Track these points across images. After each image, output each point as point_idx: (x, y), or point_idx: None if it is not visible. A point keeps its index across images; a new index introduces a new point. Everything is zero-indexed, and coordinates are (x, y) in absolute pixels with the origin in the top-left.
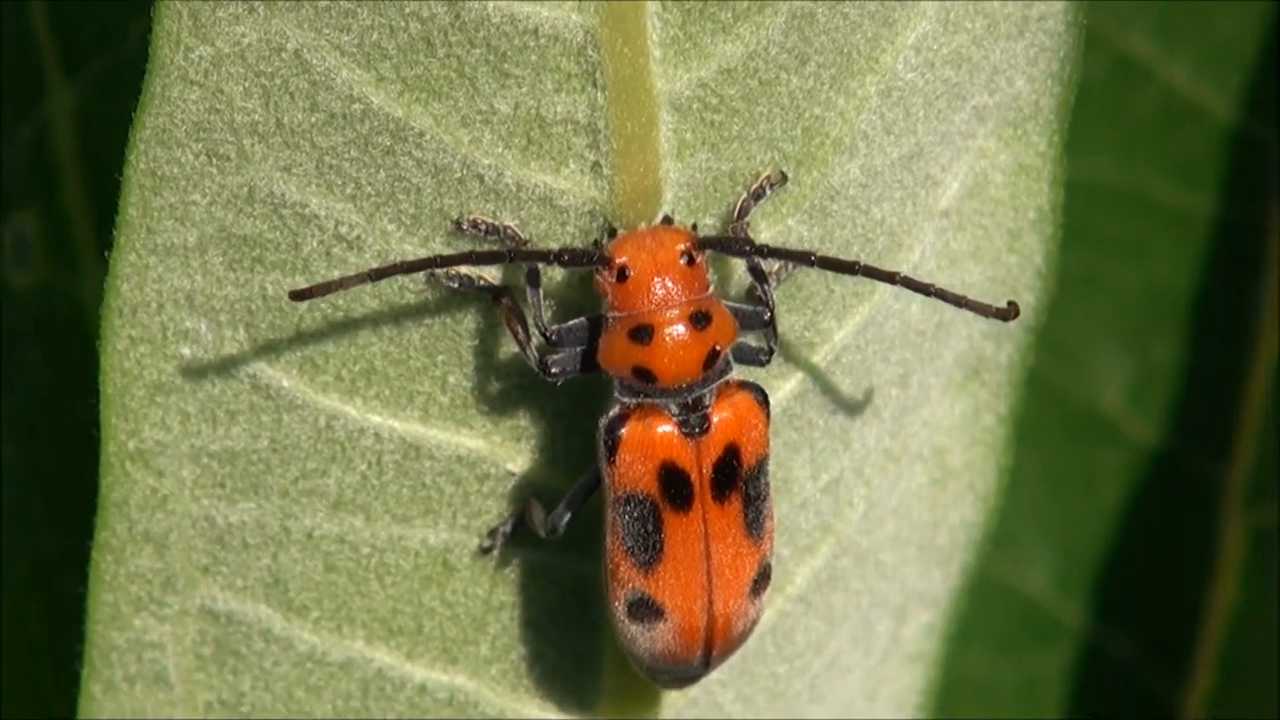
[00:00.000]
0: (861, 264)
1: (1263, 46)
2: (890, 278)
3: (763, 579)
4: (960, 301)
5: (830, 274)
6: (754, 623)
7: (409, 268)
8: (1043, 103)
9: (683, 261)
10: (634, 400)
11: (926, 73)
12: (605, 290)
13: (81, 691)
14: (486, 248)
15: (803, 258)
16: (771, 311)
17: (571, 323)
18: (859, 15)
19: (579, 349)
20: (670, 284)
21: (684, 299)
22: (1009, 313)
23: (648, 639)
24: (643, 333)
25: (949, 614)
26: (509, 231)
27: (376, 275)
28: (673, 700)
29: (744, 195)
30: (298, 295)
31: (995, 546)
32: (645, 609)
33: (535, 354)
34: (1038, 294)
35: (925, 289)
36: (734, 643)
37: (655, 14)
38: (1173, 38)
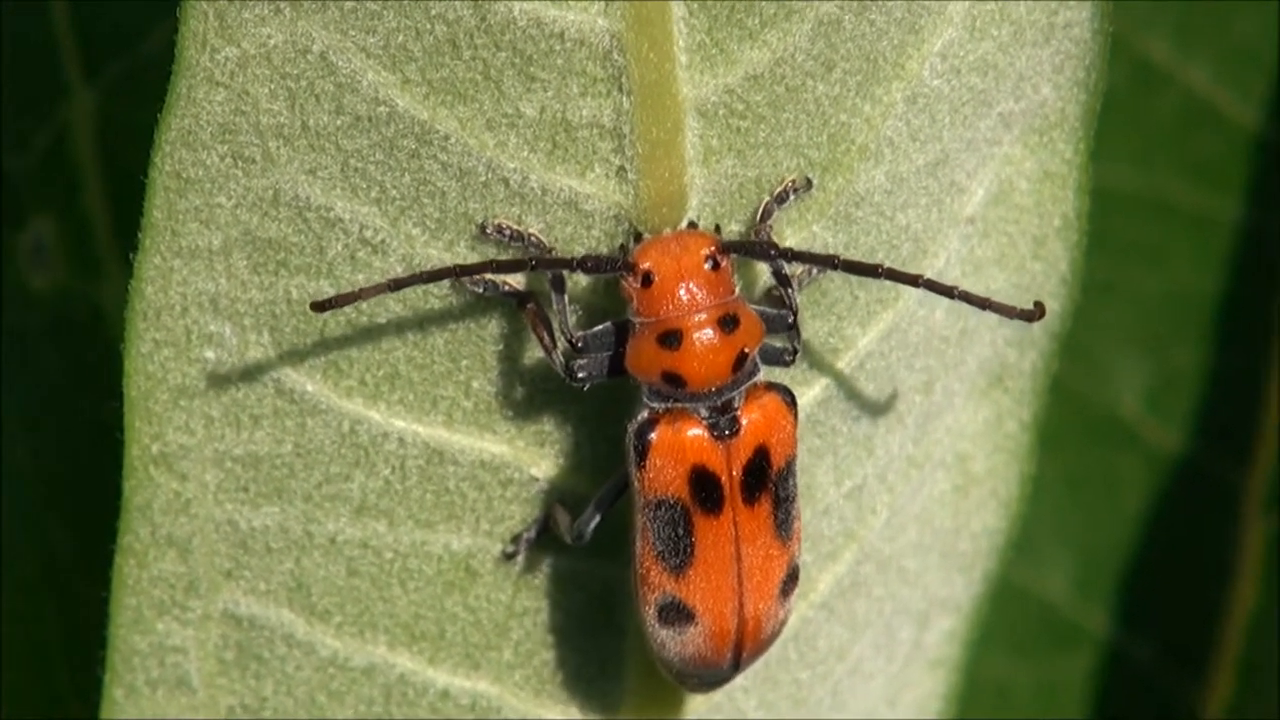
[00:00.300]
0: (885, 267)
1: None
2: (914, 280)
3: (791, 580)
4: (985, 304)
5: (855, 280)
6: (783, 624)
7: (429, 277)
8: (1068, 110)
9: (707, 266)
10: (663, 405)
11: (952, 79)
12: (631, 296)
13: (103, 696)
14: (510, 253)
15: (827, 261)
16: (795, 314)
17: (597, 328)
18: (885, 22)
19: (605, 354)
20: (696, 288)
21: (711, 303)
22: (1034, 314)
23: (678, 643)
24: (672, 338)
25: (971, 620)
26: (533, 238)
27: (396, 285)
28: (696, 706)
29: (767, 198)
30: (318, 306)
31: (1015, 551)
32: (676, 613)
33: (561, 359)
34: (1062, 301)
35: (949, 291)
36: (763, 644)
37: (681, 19)
38: (1191, 41)
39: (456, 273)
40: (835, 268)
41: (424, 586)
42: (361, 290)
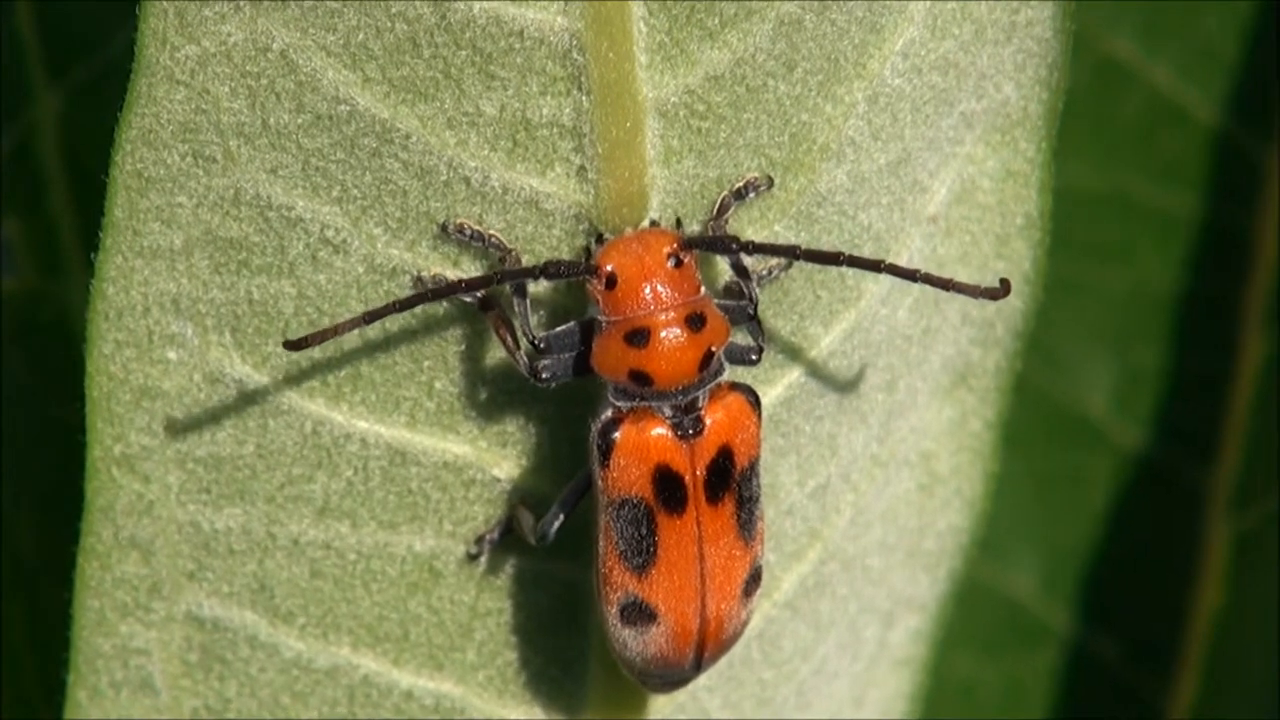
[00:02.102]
0: (846, 255)
1: (1246, 48)
2: (875, 265)
3: (754, 580)
4: (948, 284)
5: (816, 279)
6: (745, 624)
7: (402, 305)
8: (1031, 109)
9: (670, 263)
10: (628, 404)
11: (914, 79)
12: (597, 298)
13: (67, 698)
14: (472, 253)
15: (788, 251)
16: (754, 305)
17: (560, 328)
18: (847, 22)
19: (569, 354)
20: (660, 286)
21: (677, 301)
22: (998, 291)
23: (640, 643)
24: (639, 336)
25: (936, 619)
26: (494, 239)
27: (370, 318)
28: (659, 706)
29: (725, 193)
30: (292, 345)
31: (981, 549)
32: (638, 613)
33: (525, 359)
34: (1026, 300)
35: (911, 275)
36: (725, 644)
37: (641, 19)
38: (1156, 40)
39: (429, 296)
40: (797, 258)
41: (387, 588)
42: (336, 326)
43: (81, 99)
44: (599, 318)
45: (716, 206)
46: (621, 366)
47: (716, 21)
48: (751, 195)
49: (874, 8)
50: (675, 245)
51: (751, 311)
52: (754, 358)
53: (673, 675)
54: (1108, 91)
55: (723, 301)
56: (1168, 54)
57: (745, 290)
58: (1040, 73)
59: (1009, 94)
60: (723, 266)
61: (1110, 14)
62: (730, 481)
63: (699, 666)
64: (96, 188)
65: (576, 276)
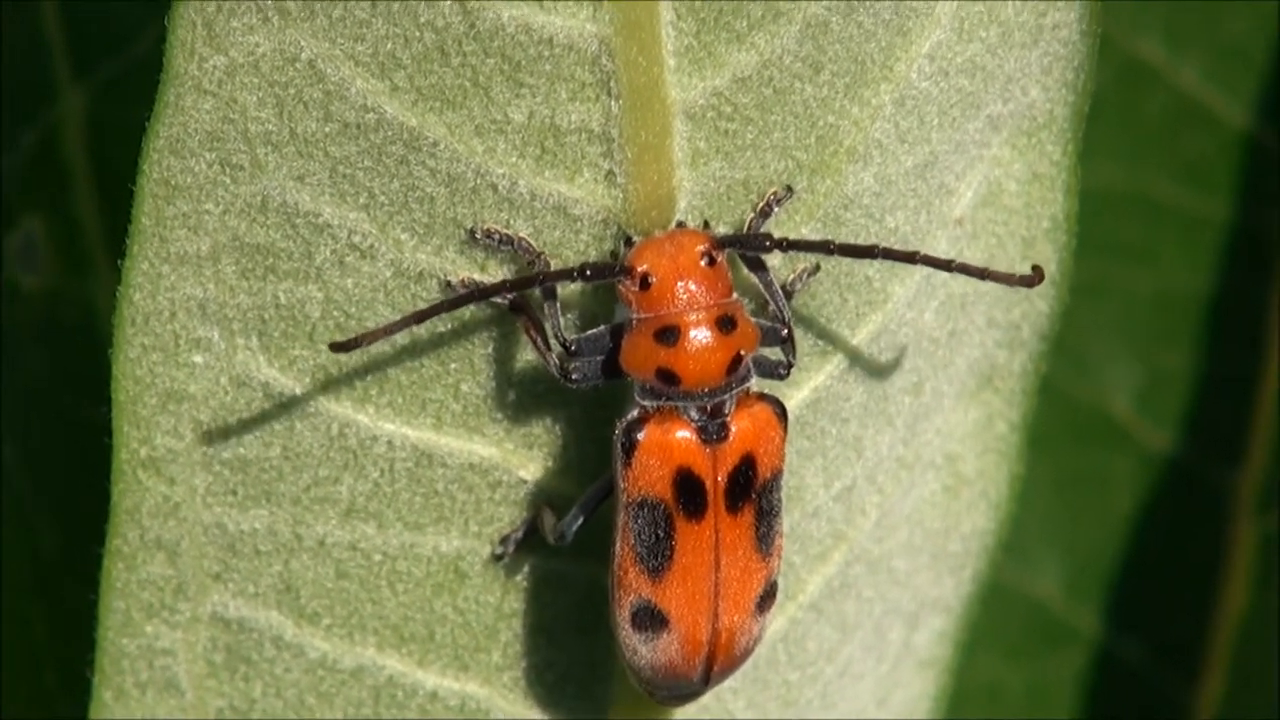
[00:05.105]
0: (881, 247)
1: (1272, 49)
2: (910, 257)
3: (768, 596)
4: (983, 273)
5: (844, 282)
6: (756, 641)
7: (451, 305)
8: (1057, 111)
9: (704, 263)
10: (654, 403)
11: (941, 81)
12: (629, 299)
13: (93, 698)
14: (500, 257)
15: (822, 247)
16: (789, 328)
17: (590, 332)
18: (873, 24)
19: (599, 357)
20: (694, 286)
21: (709, 300)
22: (1032, 279)
23: (649, 649)
24: (668, 334)
25: (961, 621)
26: (523, 243)
27: (419, 318)
28: (683, 708)
29: (752, 215)
30: (338, 347)
31: (1006, 551)
32: (649, 618)
33: (556, 361)
34: (1051, 303)
35: (947, 265)
36: (735, 660)
37: (670, 23)
38: (1182, 41)
39: (476, 297)
40: (831, 252)
41: (413, 588)
42: (384, 327)
43: (106, 96)
44: (631, 316)
45: (745, 229)
46: (650, 364)
47: (744, 24)
48: (775, 210)
49: (901, 10)
50: (708, 244)
51: (785, 335)
52: (782, 372)
53: (680, 687)
54: (1133, 92)
55: (759, 321)
56: (1193, 55)
57: (777, 310)
58: (1067, 76)
59: (1035, 97)
60: (752, 282)
61: (1135, 15)
62: (751, 492)
63: (707, 680)
64: (121, 185)
65: (612, 278)
